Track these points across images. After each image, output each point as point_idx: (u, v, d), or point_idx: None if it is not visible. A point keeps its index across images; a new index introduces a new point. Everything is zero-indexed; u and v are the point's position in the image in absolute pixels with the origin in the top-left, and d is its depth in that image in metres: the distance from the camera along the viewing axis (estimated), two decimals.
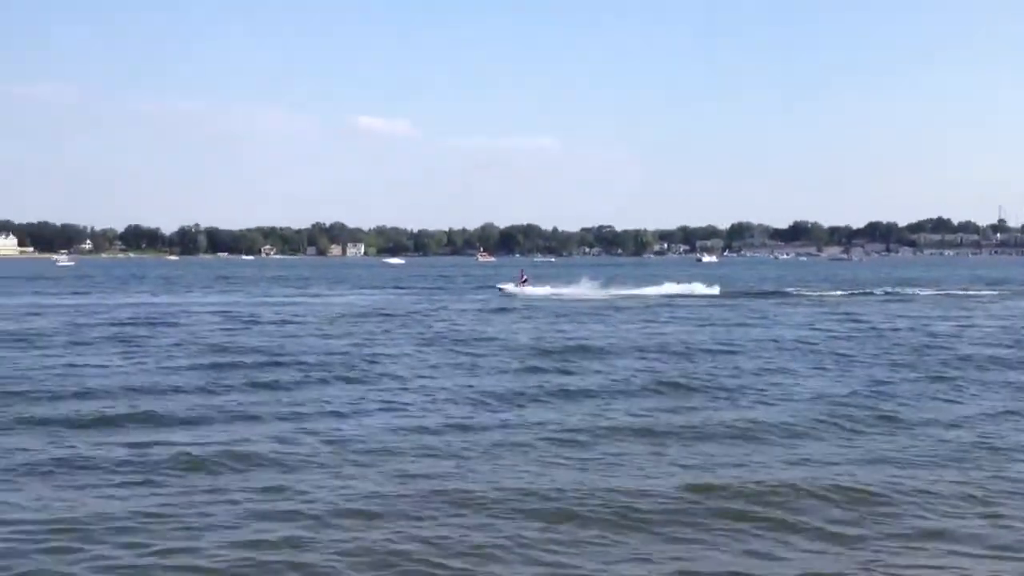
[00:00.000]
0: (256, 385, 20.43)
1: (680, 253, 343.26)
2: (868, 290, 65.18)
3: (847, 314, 42.83)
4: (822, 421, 16.53)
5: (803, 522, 10.80)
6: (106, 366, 23.53)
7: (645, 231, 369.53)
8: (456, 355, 26.51)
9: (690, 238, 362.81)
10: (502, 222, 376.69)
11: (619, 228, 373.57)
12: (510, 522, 10.61)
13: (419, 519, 10.68)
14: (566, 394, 19.77)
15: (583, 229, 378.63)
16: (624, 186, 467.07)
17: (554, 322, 38.12)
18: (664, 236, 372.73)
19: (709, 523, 10.78)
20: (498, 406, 18.27)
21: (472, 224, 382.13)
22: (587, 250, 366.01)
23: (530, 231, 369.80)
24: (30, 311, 44.03)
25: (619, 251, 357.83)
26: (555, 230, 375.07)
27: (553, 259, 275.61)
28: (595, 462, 13.60)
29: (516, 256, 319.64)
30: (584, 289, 59.93)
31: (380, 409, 17.82)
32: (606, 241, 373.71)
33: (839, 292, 62.96)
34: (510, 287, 59.55)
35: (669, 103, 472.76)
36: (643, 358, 25.88)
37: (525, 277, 60.99)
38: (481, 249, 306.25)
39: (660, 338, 31.33)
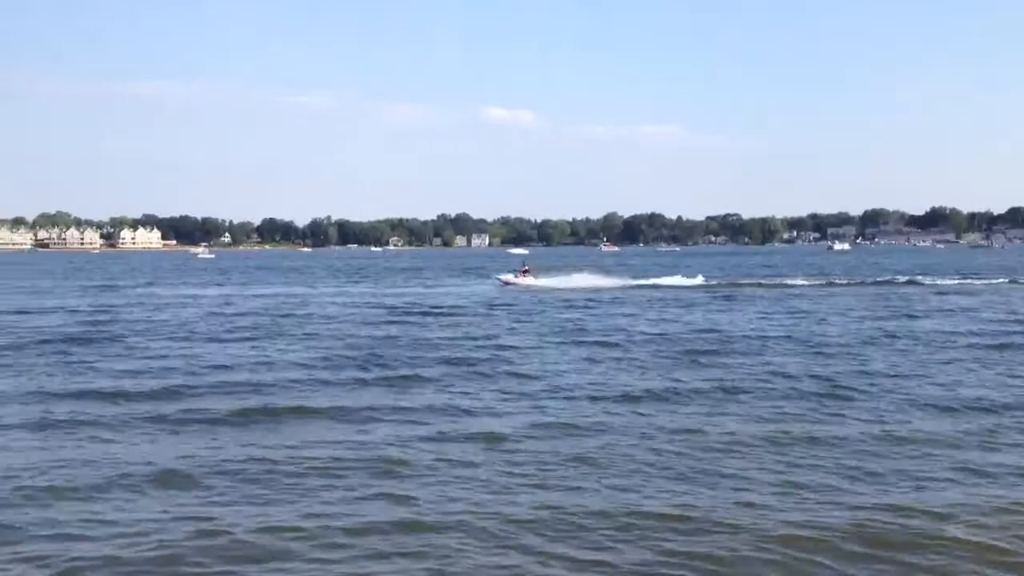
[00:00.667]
0: (412, 379, 20.55)
1: (810, 241, 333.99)
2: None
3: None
4: None
5: None
6: (271, 357, 24.58)
7: (773, 218, 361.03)
8: (599, 350, 25.69)
9: (821, 225, 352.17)
10: (626, 211, 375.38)
11: (745, 215, 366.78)
12: None
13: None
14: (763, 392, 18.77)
15: (708, 217, 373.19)
16: (751, 173, 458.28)
17: (663, 312, 38.14)
18: (793, 223, 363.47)
19: None
20: (683, 402, 17.73)
21: (595, 214, 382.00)
22: (712, 239, 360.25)
23: (654, 220, 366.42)
24: (185, 300, 46.38)
25: (746, 239, 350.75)
26: (679, 219, 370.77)
27: (677, 248, 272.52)
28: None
29: (640, 245, 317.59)
30: (583, 279, 59.38)
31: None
32: (732, 229, 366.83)
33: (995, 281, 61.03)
34: (509, 277, 59.99)
35: (797, 87, 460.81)
36: (792, 352, 24.99)
37: (527, 267, 61.62)
38: (605, 239, 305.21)
39: (783, 329, 30.83)
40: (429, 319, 35.52)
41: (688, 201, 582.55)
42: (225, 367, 22.29)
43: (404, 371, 21.54)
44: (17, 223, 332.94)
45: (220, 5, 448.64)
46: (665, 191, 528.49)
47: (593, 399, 17.85)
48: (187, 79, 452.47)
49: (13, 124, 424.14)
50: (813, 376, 20.60)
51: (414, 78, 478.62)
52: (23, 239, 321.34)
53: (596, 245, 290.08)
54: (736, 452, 13.62)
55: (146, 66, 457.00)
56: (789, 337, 28.31)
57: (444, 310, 39.88)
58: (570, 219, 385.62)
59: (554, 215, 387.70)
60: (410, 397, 18.22)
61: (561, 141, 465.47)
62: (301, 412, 16.74)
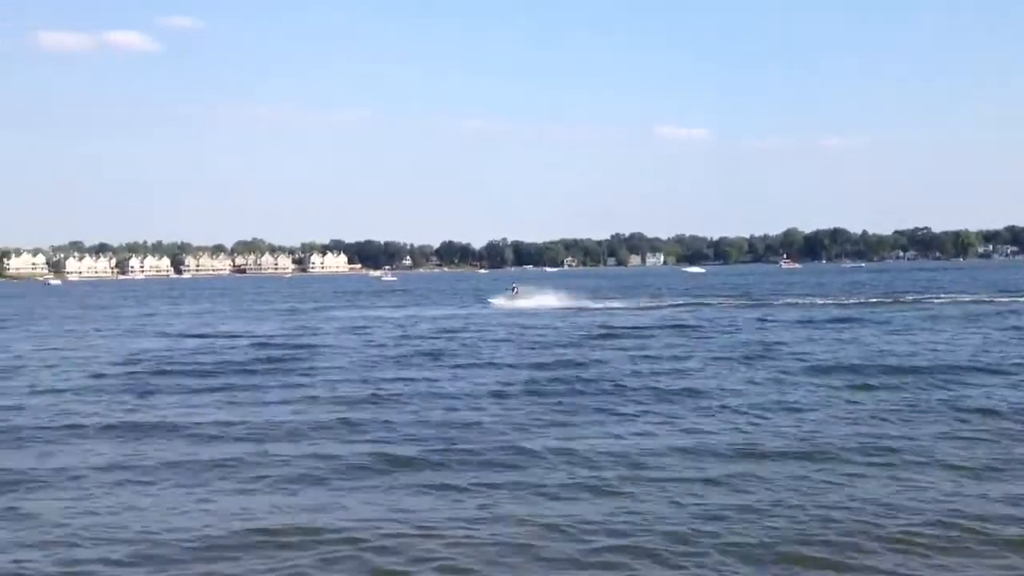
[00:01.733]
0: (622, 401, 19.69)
1: (1007, 255, 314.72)
2: None
3: None
4: None
5: None
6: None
7: (967, 231, 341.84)
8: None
9: (1019, 237, 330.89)
10: (807, 226, 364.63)
11: (936, 229, 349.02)
12: None
13: None
14: None
15: (896, 232, 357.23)
16: (942, 184, 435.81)
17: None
18: (989, 237, 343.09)
19: None
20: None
21: (774, 230, 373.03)
22: (900, 254, 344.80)
23: (837, 235, 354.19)
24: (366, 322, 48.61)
25: (937, 254, 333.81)
26: (865, 233, 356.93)
27: (863, 264, 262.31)
28: None
29: (822, 262, 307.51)
30: (556, 299, 59.28)
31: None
32: (921, 244, 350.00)
33: None
34: (500, 301, 60.23)
35: (988, 89, 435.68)
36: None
37: (516, 289, 61.58)
38: (785, 256, 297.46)
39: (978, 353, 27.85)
40: (613, 340, 34.07)
41: (874, 215, 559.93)
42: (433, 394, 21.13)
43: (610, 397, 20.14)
44: (217, 250, 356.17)
45: (378, 35, 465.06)
46: (849, 205, 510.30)
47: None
48: (358, 106, 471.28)
49: (213, 152, 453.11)
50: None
51: (585, 99, 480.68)
52: (223, 265, 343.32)
53: (775, 262, 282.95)
54: None
55: (338, 94, 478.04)
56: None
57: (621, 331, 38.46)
58: (747, 236, 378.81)
59: (730, 232, 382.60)
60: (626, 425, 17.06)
61: (736, 156, 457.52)
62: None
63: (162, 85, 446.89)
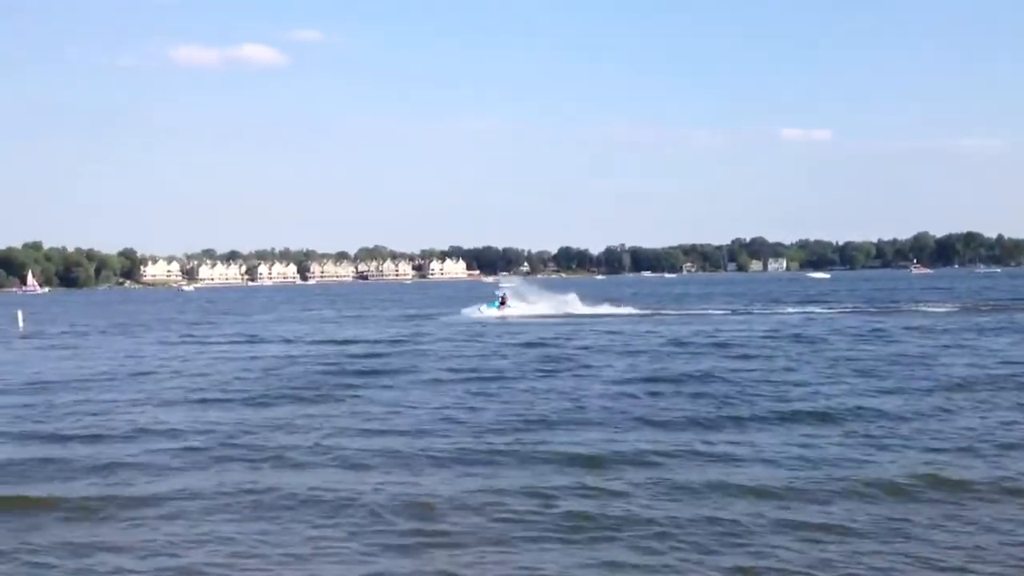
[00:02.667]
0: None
1: None
2: None
3: None
4: None
5: None
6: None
7: None
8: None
9: None
10: (938, 230, 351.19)
11: None
12: None
13: None
14: None
15: None
16: None
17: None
18: None
19: None
20: None
21: (903, 234, 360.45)
22: None
23: (971, 239, 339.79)
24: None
25: None
26: (1000, 237, 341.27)
27: (998, 269, 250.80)
28: None
29: (955, 267, 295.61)
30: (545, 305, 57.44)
31: None
32: None
33: None
34: (483, 309, 56.89)
35: None
36: None
37: (503, 297, 58.45)
38: (915, 260, 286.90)
39: None
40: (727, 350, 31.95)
41: (1010, 218, 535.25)
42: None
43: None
44: (341, 257, 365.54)
45: (502, 44, 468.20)
46: (984, 208, 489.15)
47: None
48: (484, 114, 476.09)
49: (338, 161, 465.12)
50: None
51: (705, 102, 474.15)
52: (346, 271, 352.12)
53: (905, 267, 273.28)
54: None
55: (464, 103, 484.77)
56: None
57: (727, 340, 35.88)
58: (875, 240, 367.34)
59: (857, 236, 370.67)
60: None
61: (863, 158, 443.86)
62: None
63: (290, 96, 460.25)
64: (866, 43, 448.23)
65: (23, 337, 50.20)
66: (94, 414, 19.97)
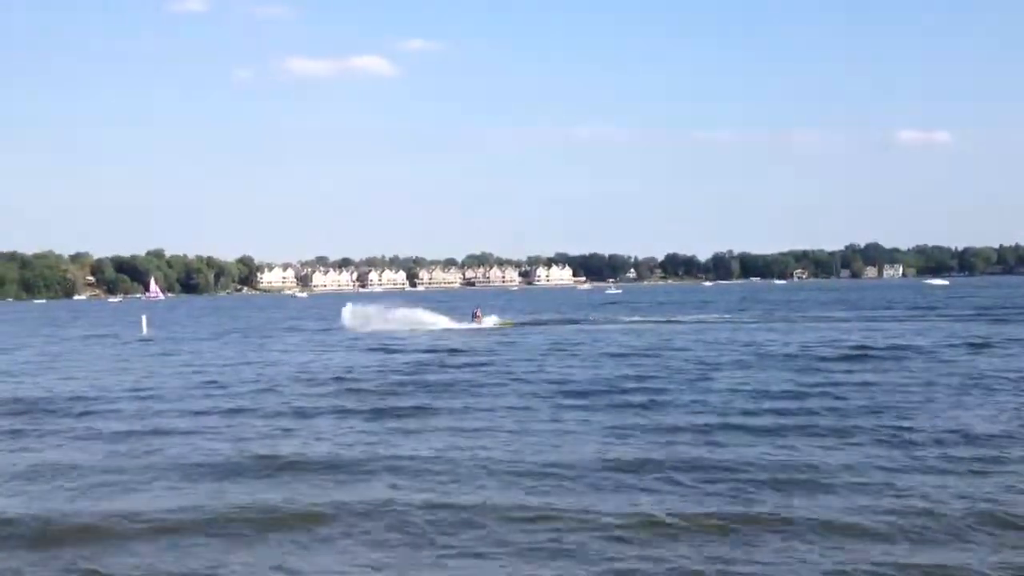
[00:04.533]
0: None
1: None
2: None
3: None
4: None
5: None
6: None
7: None
8: None
9: None
10: None
11: None
12: None
13: None
14: None
15: None
16: None
17: None
18: None
19: None
20: None
21: None
22: None
23: None
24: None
25: None
26: None
27: None
28: None
29: None
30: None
31: None
32: None
33: None
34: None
35: None
36: None
37: (478, 311, 57.56)
38: None
39: None
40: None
41: None
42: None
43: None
44: (448, 264, 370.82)
45: (617, 48, 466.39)
46: None
47: None
48: (593, 121, 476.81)
49: (449, 170, 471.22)
50: None
51: (818, 102, 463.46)
52: (453, 277, 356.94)
53: None
54: None
55: (572, 109, 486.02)
56: None
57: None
58: (996, 246, 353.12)
59: (977, 242, 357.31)
60: None
61: (983, 162, 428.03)
62: None
63: (399, 105, 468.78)
64: (986, 42, 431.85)
65: (144, 340, 52.77)
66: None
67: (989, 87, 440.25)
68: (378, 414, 20.09)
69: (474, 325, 55.16)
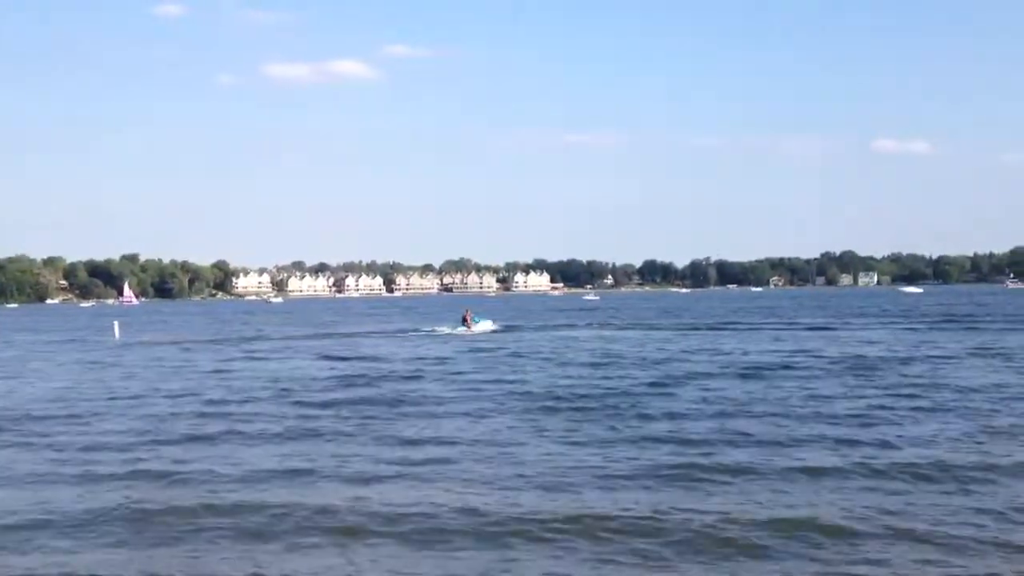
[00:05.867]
0: None
1: None
2: None
3: None
4: None
5: None
6: None
7: None
8: None
9: None
10: None
11: None
12: None
13: None
14: None
15: None
16: None
17: None
18: None
19: None
20: None
21: (1001, 248, 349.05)
22: None
23: None
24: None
25: None
26: None
27: None
28: None
29: None
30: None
31: None
32: None
33: None
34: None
35: None
36: None
37: (466, 314, 57.12)
38: (1011, 275, 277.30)
39: None
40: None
41: None
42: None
43: None
44: (426, 269, 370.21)
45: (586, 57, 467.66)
46: None
47: None
48: (597, 128, 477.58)
49: (428, 176, 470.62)
50: None
51: (796, 111, 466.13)
52: (431, 283, 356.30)
53: (1000, 282, 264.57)
54: None
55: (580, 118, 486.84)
56: None
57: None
58: (970, 254, 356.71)
59: (952, 250, 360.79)
60: None
61: (959, 171, 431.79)
62: None
63: (378, 111, 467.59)
64: (964, 53, 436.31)
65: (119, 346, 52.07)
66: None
67: (966, 97, 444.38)
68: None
69: (462, 331, 54.03)
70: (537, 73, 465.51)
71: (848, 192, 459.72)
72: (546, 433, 17.66)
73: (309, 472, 14.44)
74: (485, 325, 56.57)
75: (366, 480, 13.86)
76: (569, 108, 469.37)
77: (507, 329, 58.10)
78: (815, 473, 13.75)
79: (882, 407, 20.11)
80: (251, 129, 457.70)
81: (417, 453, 15.84)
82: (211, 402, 23.37)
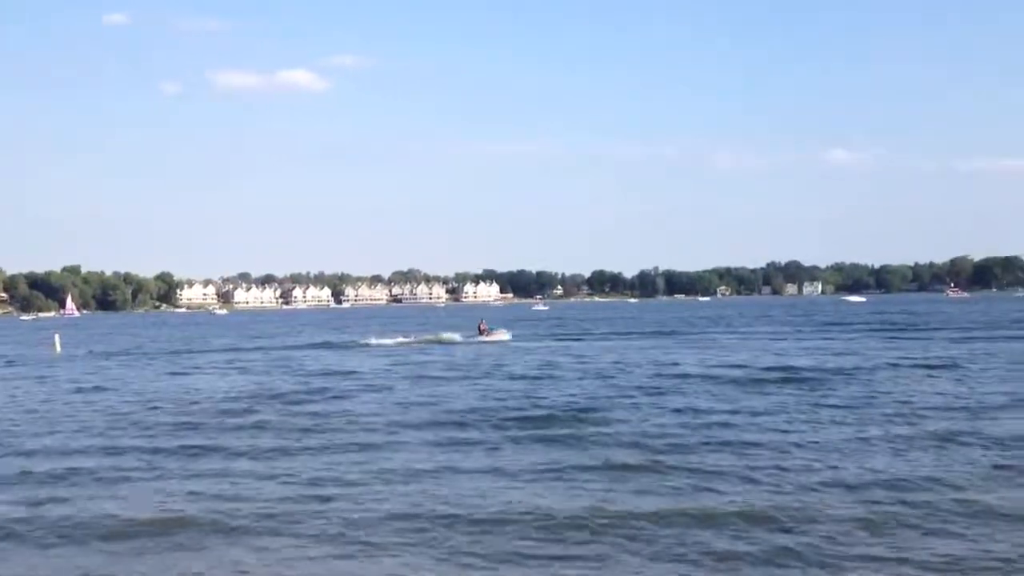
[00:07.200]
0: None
1: None
2: None
3: None
4: None
5: None
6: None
7: None
8: None
9: None
10: (977, 254, 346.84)
11: None
12: None
13: None
14: None
15: None
16: None
17: None
18: None
19: None
20: None
21: (940, 257, 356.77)
22: None
23: (1010, 264, 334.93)
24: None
25: None
26: None
27: None
28: None
29: (992, 291, 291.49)
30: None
31: None
32: None
33: None
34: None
35: None
36: None
37: (482, 323, 58.56)
38: (952, 284, 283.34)
39: None
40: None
41: None
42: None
43: None
44: (375, 280, 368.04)
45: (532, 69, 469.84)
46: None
47: None
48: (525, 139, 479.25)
49: (371, 184, 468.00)
50: None
51: (741, 122, 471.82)
52: (380, 294, 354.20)
53: (941, 291, 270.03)
54: None
55: (500, 128, 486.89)
56: None
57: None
58: (912, 263, 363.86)
59: (894, 260, 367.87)
60: None
61: (899, 181, 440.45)
62: None
63: (325, 120, 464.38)
64: (907, 65, 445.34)
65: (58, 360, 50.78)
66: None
67: (907, 109, 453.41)
68: None
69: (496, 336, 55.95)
70: (484, 83, 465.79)
71: (793, 202, 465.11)
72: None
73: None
74: (501, 334, 57.04)
75: None
76: (517, 117, 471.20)
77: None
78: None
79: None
80: (196, 138, 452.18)
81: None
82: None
